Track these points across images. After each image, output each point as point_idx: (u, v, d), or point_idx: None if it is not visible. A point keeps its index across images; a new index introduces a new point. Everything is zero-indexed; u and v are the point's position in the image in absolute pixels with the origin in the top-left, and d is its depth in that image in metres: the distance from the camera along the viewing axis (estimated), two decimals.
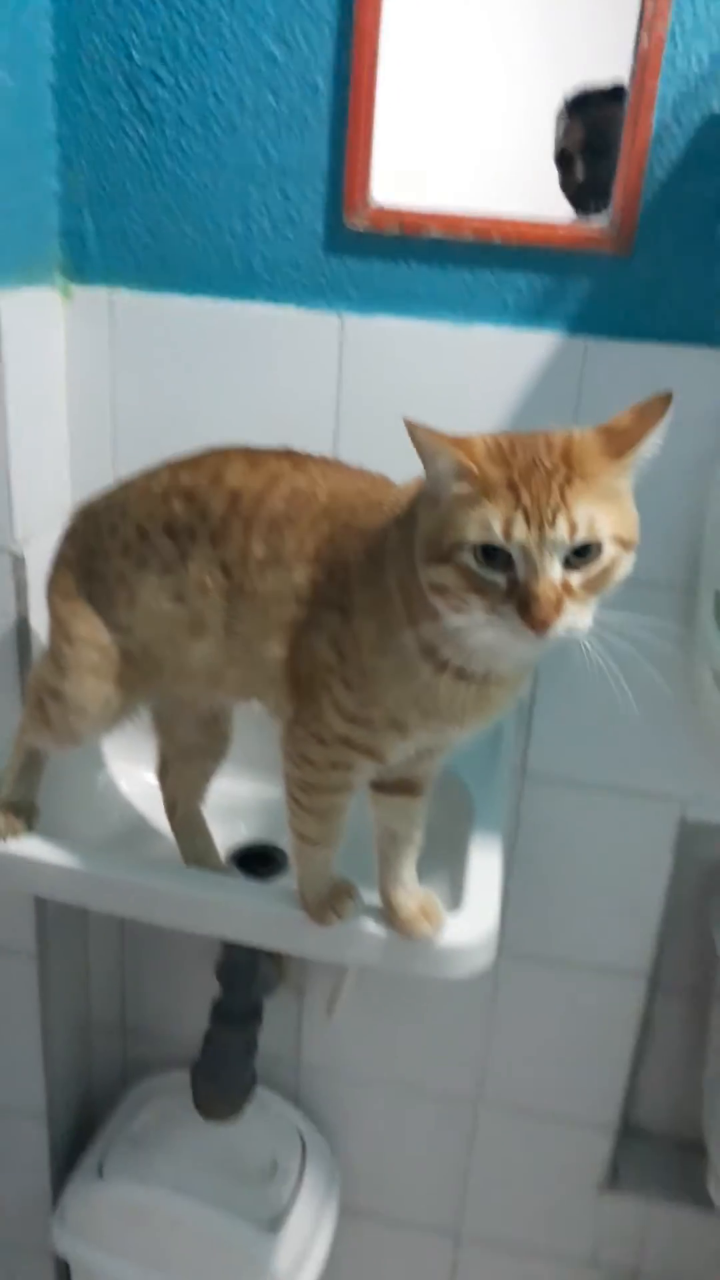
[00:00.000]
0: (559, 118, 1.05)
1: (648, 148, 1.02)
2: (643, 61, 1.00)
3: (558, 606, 0.67)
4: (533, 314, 1.09)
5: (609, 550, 0.69)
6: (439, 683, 0.78)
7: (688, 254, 1.04)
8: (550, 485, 0.67)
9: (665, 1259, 1.51)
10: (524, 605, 0.67)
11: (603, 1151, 1.48)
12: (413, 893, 0.93)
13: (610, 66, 1.02)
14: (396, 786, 0.93)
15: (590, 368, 1.09)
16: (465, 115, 1.08)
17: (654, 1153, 1.49)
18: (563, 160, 1.07)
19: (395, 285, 1.10)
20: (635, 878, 1.31)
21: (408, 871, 0.93)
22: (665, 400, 0.71)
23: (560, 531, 0.67)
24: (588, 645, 0.73)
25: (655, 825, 1.27)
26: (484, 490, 0.68)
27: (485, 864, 1.01)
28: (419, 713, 0.81)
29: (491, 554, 0.68)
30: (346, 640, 0.82)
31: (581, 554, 0.69)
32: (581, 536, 0.67)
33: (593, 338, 1.08)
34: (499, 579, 0.69)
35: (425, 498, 0.74)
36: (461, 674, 0.77)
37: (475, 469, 0.69)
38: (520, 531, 0.67)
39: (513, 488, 0.68)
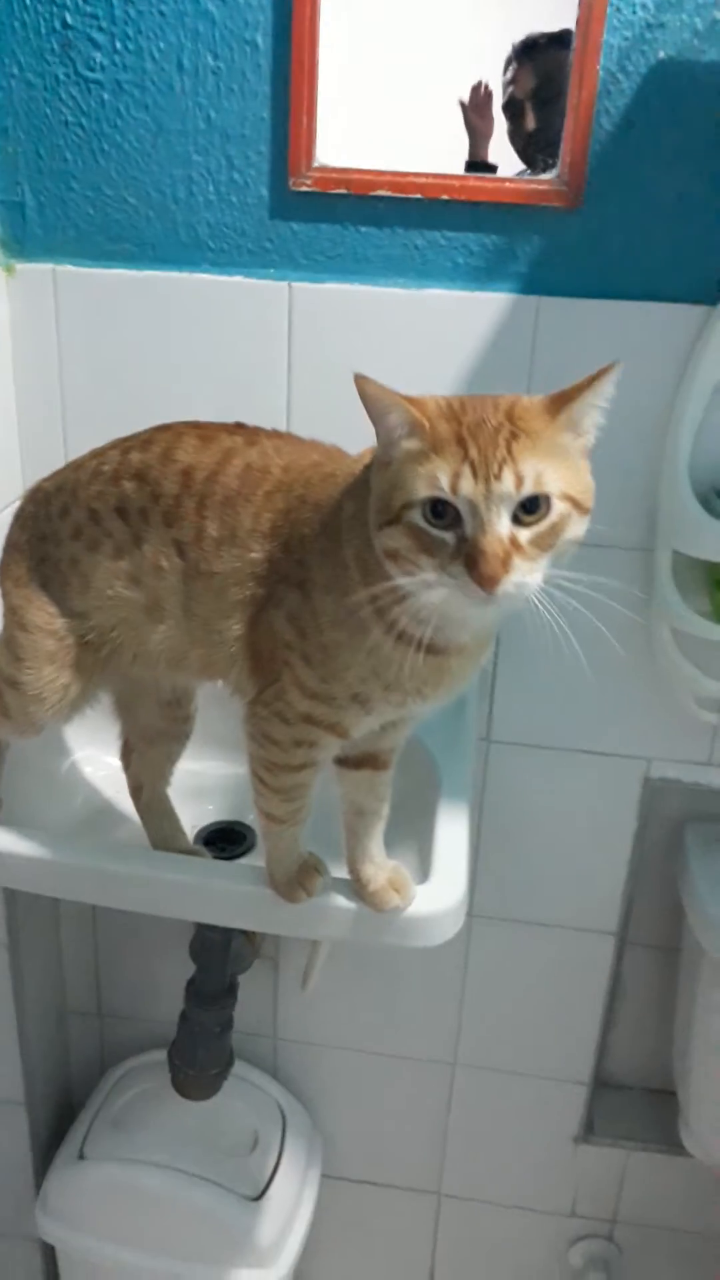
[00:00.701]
0: (506, 64, 1.03)
1: (595, 98, 1.00)
2: (587, 9, 0.98)
3: (505, 563, 0.67)
4: (484, 274, 1.08)
5: (558, 506, 0.69)
6: (399, 655, 0.77)
7: (637, 207, 1.04)
8: (497, 440, 0.67)
9: (642, 1205, 1.55)
10: (471, 561, 0.67)
11: (578, 1104, 1.50)
12: (381, 866, 0.93)
13: (558, 17, 1.00)
14: (361, 761, 0.92)
15: (543, 326, 1.08)
16: (411, 71, 1.05)
17: (627, 1103, 1.52)
18: (511, 109, 1.05)
19: (344, 249, 1.08)
20: (602, 837, 1.32)
21: (375, 845, 0.93)
22: (606, 369, 0.71)
23: (507, 484, 0.67)
24: (541, 605, 0.72)
25: (620, 784, 1.28)
26: (433, 445, 0.68)
27: (452, 832, 1.01)
28: (381, 686, 0.80)
29: (440, 511, 0.68)
30: (305, 616, 0.81)
31: (530, 510, 0.68)
32: (528, 489, 0.67)
33: (544, 296, 1.07)
34: (448, 537, 0.68)
35: (377, 462, 0.73)
36: (422, 645, 0.77)
37: (426, 423, 0.68)
38: (468, 485, 0.67)
39: (460, 442, 0.67)
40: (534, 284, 1.07)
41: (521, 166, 1.06)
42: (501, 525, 0.67)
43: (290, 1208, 1.38)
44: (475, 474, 0.66)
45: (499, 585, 0.66)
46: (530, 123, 1.05)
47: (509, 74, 1.04)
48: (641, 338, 1.06)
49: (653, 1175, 1.52)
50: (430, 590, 0.69)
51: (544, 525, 0.69)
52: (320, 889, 0.92)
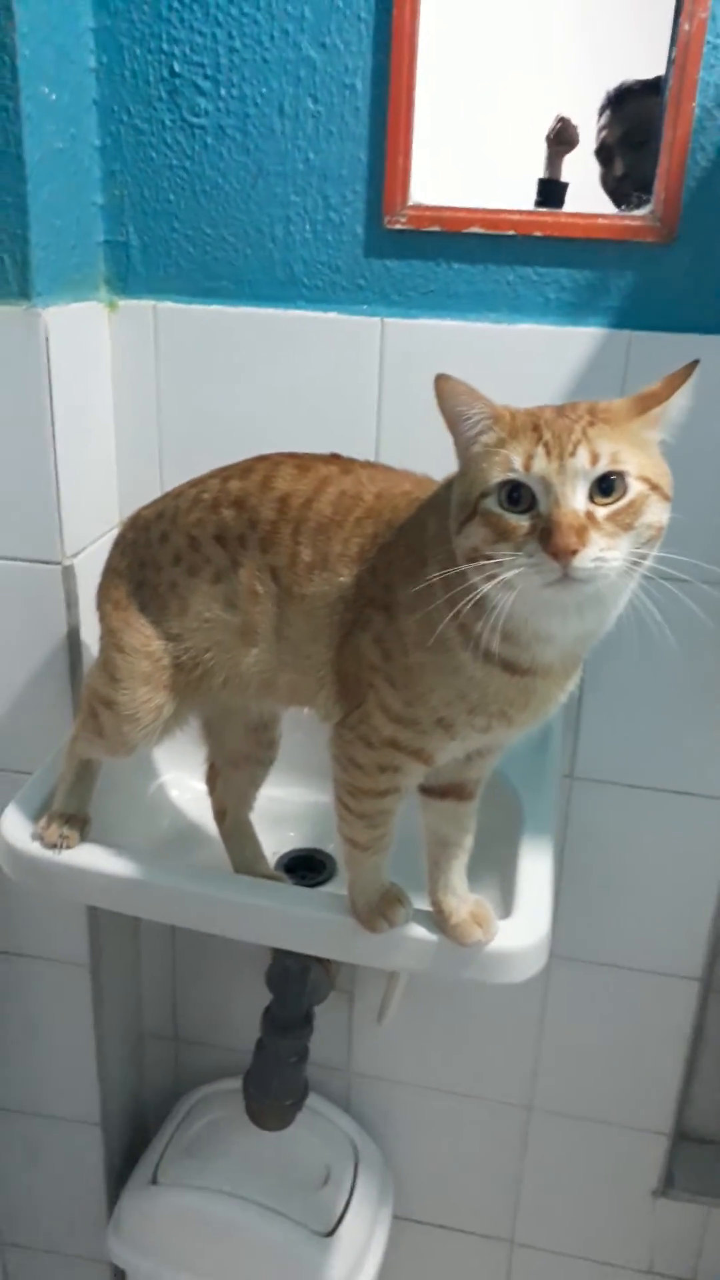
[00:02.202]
0: (600, 111, 1.05)
1: (690, 135, 1.01)
2: (683, 48, 0.99)
3: (581, 535, 0.66)
4: (575, 309, 1.08)
5: (635, 486, 0.69)
6: (484, 675, 0.77)
7: None
8: (574, 426, 0.68)
9: None
10: (546, 535, 0.66)
11: (657, 1157, 1.46)
12: (464, 898, 0.92)
13: (650, 62, 1.01)
14: (446, 791, 0.92)
15: (634, 361, 1.07)
16: (505, 112, 1.07)
17: (709, 1157, 1.47)
18: (602, 154, 1.06)
19: (436, 285, 1.10)
20: (687, 879, 1.29)
21: (458, 877, 0.93)
22: (691, 366, 0.72)
23: (582, 460, 0.67)
24: (633, 609, 0.71)
25: (706, 826, 1.25)
26: (510, 433, 0.69)
27: (536, 868, 1.00)
28: (465, 709, 0.80)
29: (516, 496, 0.68)
30: (391, 638, 0.81)
31: (607, 492, 0.68)
32: (604, 466, 0.67)
33: (636, 330, 1.07)
34: (524, 520, 0.68)
35: (456, 476, 0.75)
36: (507, 665, 0.76)
37: (506, 415, 0.70)
38: (540, 464, 0.67)
39: (536, 429, 0.69)
40: (626, 319, 1.07)
41: (613, 209, 1.07)
42: (576, 500, 0.67)
43: (361, 1246, 1.36)
44: (549, 453, 0.67)
45: (574, 558, 0.66)
46: (619, 168, 1.06)
47: (602, 120, 1.05)
48: None
49: None
50: (508, 582, 0.68)
51: (621, 503, 0.68)
52: (402, 919, 0.91)
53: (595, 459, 0.67)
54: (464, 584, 0.72)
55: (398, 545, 0.82)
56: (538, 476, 0.68)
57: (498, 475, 0.69)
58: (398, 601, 0.81)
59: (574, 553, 0.66)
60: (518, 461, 0.68)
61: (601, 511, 0.68)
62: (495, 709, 0.80)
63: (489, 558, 0.69)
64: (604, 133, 1.05)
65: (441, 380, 0.70)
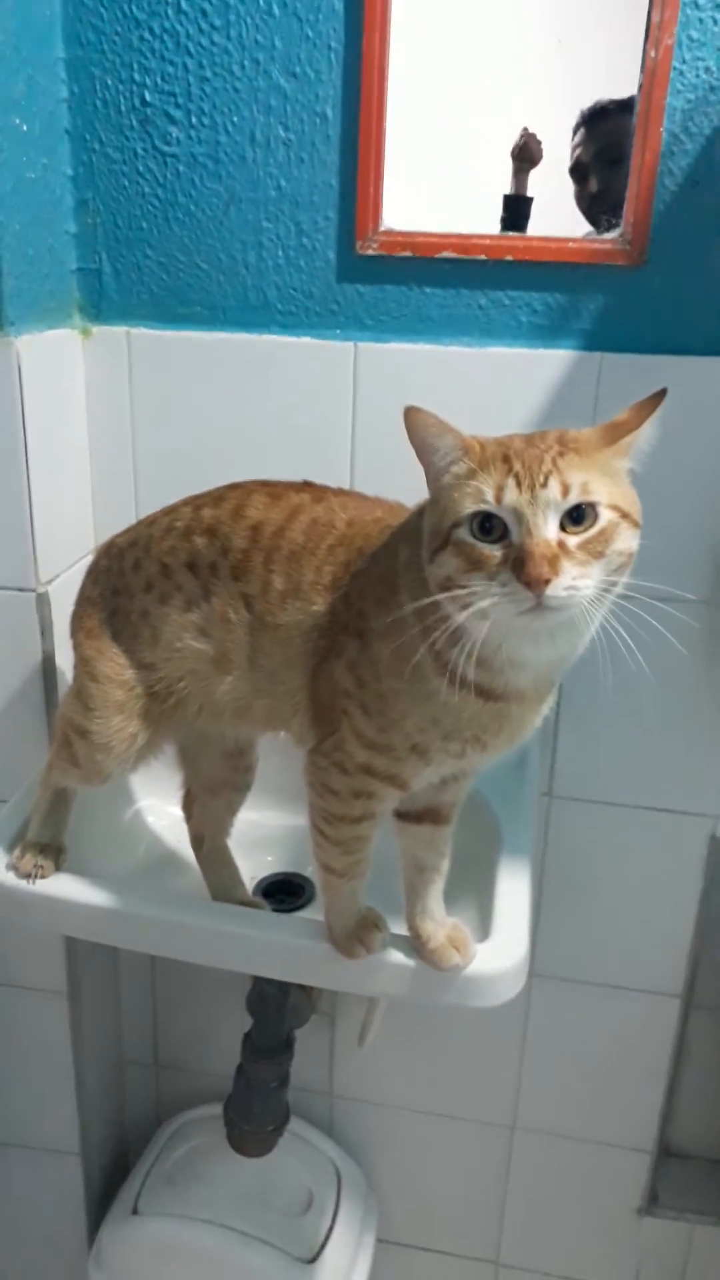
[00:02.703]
0: (573, 131, 1.06)
1: (658, 160, 1.02)
2: (650, 74, 1.00)
3: (553, 564, 0.67)
4: (547, 332, 1.09)
5: (606, 514, 0.70)
6: (458, 701, 0.77)
7: (701, 265, 1.05)
8: (544, 457, 0.69)
9: None
10: (519, 565, 0.67)
11: (641, 1174, 1.46)
12: (441, 923, 0.92)
13: (622, 82, 1.02)
14: (422, 815, 0.92)
15: (606, 383, 1.08)
16: (475, 136, 1.08)
17: (693, 1174, 1.46)
18: (577, 173, 1.07)
19: (408, 310, 1.11)
20: (667, 897, 1.29)
21: (435, 901, 0.93)
22: (658, 395, 0.72)
23: (553, 491, 0.68)
24: (602, 643, 0.72)
25: (685, 843, 1.26)
26: (480, 464, 0.70)
27: (514, 889, 1.00)
28: (439, 735, 0.80)
29: (488, 527, 0.69)
30: (364, 665, 0.81)
31: (578, 521, 0.69)
32: (574, 497, 0.68)
33: (608, 353, 1.08)
34: (496, 550, 0.69)
35: (427, 505, 0.75)
36: (480, 691, 0.77)
37: (476, 446, 0.71)
38: (511, 495, 0.68)
39: (507, 460, 0.69)
40: (597, 341, 1.08)
41: (583, 224, 1.08)
42: (548, 530, 0.68)
43: (345, 1272, 1.35)
44: (520, 484, 0.68)
45: (547, 587, 0.66)
46: (593, 186, 1.07)
47: (577, 138, 1.06)
48: (704, 393, 1.06)
49: None
50: (483, 613, 0.69)
51: (592, 532, 0.69)
52: (380, 945, 0.91)
53: (566, 490, 0.68)
54: (437, 612, 0.72)
55: (370, 572, 0.83)
56: (509, 507, 0.68)
57: (469, 506, 0.69)
58: (370, 628, 0.81)
59: (547, 581, 0.66)
60: (489, 493, 0.69)
61: (573, 540, 0.69)
62: (469, 734, 0.80)
63: (462, 586, 0.70)
64: (578, 150, 1.06)
65: (411, 412, 0.71)
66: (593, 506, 0.69)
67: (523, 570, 0.67)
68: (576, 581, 0.68)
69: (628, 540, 0.71)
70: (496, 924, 0.95)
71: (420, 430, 0.71)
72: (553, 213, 1.08)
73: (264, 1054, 1.21)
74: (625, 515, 0.71)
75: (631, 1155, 1.45)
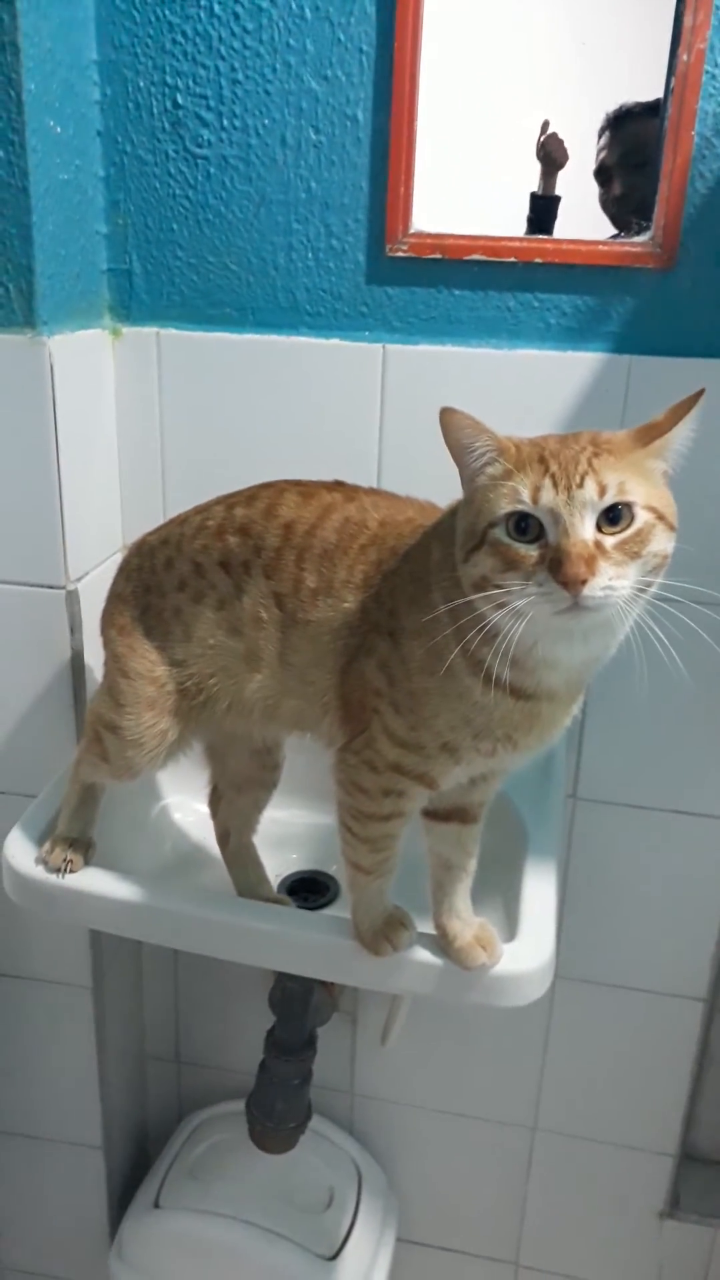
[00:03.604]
0: (598, 135, 1.06)
1: (689, 163, 1.02)
2: (681, 78, 1.00)
3: (590, 564, 0.67)
4: (576, 334, 1.09)
5: (642, 515, 0.70)
6: (489, 700, 0.77)
7: None
8: (579, 458, 0.69)
9: None
10: (556, 565, 0.67)
11: (663, 1178, 1.45)
12: (468, 922, 0.92)
13: (649, 84, 1.02)
14: (450, 814, 0.92)
15: (635, 386, 1.08)
16: (505, 139, 1.08)
17: (716, 1178, 1.46)
18: (601, 176, 1.07)
19: (437, 312, 1.11)
20: (691, 900, 1.29)
21: (462, 900, 0.93)
22: (696, 396, 0.73)
23: (589, 492, 0.68)
24: (637, 642, 0.72)
25: (710, 846, 1.26)
26: (517, 465, 0.70)
27: (540, 891, 1.00)
28: (470, 733, 0.80)
29: (524, 527, 0.69)
30: (395, 664, 0.82)
31: (614, 521, 0.69)
32: (611, 497, 0.68)
33: (636, 355, 1.08)
34: (533, 550, 0.69)
35: (461, 505, 0.75)
36: (512, 690, 0.77)
37: (512, 447, 0.71)
38: (548, 495, 0.68)
39: (543, 461, 0.70)
40: (626, 344, 1.08)
41: (610, 224, 1.08)
42: (585, 530, 0.68)
43: (365, 1270, 1.36)
44: (556, 485, 0.68)
45: (584, 587, 0.67)
46: (617, 189, 1.07)
47: (602, 141, 1.06)
48: None
49: None
50: (520, 612, 0.69)
51: (629, 533, 0.70)
52: (406, 943, 0.91)
53: (603, 490, 0.68)
54: (470, 612, 0.73)
55: (402, 572, 0.83)
56: (546, 508, 0.69)
57: (505, 506, 0.70)
58: (403, 627, 0.81)
59: (584, 582, 0.67)
60: (525, 493, 0.69)
61: (609, 541, 0.69)
62: (500, 733, 0.80)
63: (498, 586, 0.70)
64: (603, 154, 1.07)
65: (446, 413, 0.71)
66: (629, 507, 0.69)
67: (560, 570, 0.67)
68: (613, 582, 0.68)
69: (663, 542, 0.72)
70: (523, 924, 0.95)
71: (455, 431, 0.72)
72: (577, 213, 1.08)
73: (287, 1051, 1.22)
74: (661, 517, 0.71)
75: (654, 1158, 1.44)
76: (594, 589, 0.67)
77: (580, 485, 0.68)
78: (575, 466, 0.69)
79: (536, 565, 0.69)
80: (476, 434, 0.72)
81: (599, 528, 0.69)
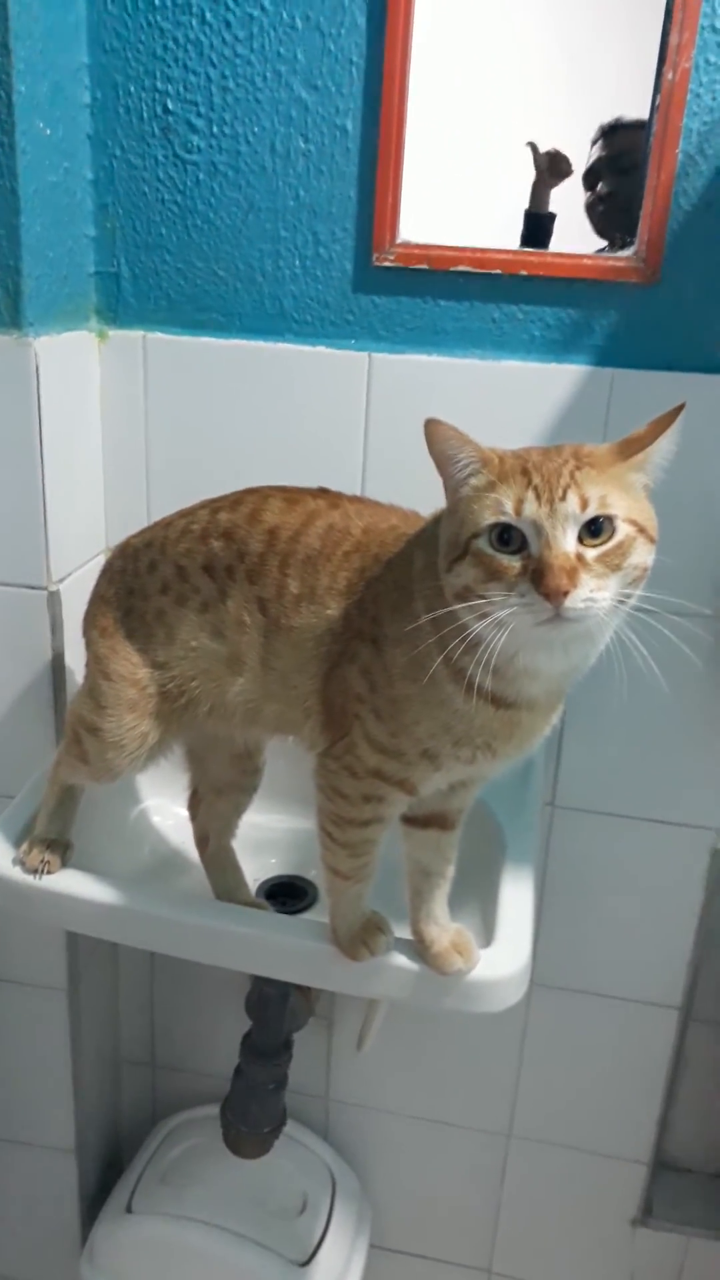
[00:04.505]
0: (591, 144, 1.07)
1: (673, 180, 1.03)
2: (666, 96, 1.01)
3: (572, 576, 0.68)
4: (560, 347, 1.10)
5: (623, 528, 0.71)
6: (470, 708, 0.78)
7: (714, 284, 1.06)
8: (561, 470, 0.70)
9: None
10: (538, 576, 0.68)
11: (636, 1185, 1.46)
12: (445, 927, 0.93)
13: (638, 100, 1.03)
14: (428, 820, 0.93)
15: (617, 399, 1.10)
16: (494, 152, 1.09)
17: (689, 1186, 1.47)
18: (589, 177, 1.09)
19: (423, 322, 1.12)
20: (667, 908, 1.30)
21: (440, 906, 0.93)
22: (676, 410, 0.73)
23: (572, 504, 0.69)
24: (616, 651, 0.73)
25: (686, 855, 1.27)
26: (499, 477, 0.71)
27: (517, 897, 1.00)
28: (450, 741, 0.81)
29: (507, 538, 0.70)
30: (377, 670, 0.82)
31: (595, 534, 0.70)
32: (593, 510, 0.69)
33: (619, 369, 1.09)
34: (515, 561, 0.70)
35: (444, 514, 0.76)
36: (493, 698, 0.78)
37: (495, 459, 0.72)
38: (531, 507, 0.69)
39: (525, 473, 0.71)
40: (609, 357, 1.10)
41: (598, 241, 1.09)
42: (567, 542, 0.69)
43: (338, 1275, 1.35)
44: (539, 497, 0.69)
45: (566, 599, 0.68)
46: (602, 189, 1.08)
47: (594, 150, 1.07)
48: (714, 409, 1.07)
49: (714, 1263, 1.46)
50: (501, 622, 0.70)
51: (610, 545, 0.70)
52: (383, 948, 0.92)
53: (585, 503, 0.69)
54: (452, 621, 0.73)
55: (385, 580, 0.84)
56: (529, 519, 0.69)
57: (489, 518, 0.70)
58: (385, 635, 0.82)
59: (565, 593, 0.67)
60: (509, 505, 0.70)
61: (591, 553, 0.70)
62: (480, 741, 0.81)
63: (480, 596, 0.71)
64: (593, 160, 1.08)
65: (431, 424, 0.72)
66: (610, 520, 0.70)
67: (542, 582, 0.68)
68: (594, 594, 0.69)
69: (643, 554, 0.72)
70: (500, 930, 0.96)
71: (440, 442, 0.72)
72: (565, 227, 1.09)
73: (262, 1056, 1.22)
74: (642, 530, 0.72)
75: (627, 1166, 1.45)
76: (575, 600, 0.68)
77: (563, 498, 0.69)
78: (558, 479, 0.70)
79: (519, 576, 0.70)
80: (461, 445, 0.72)
81: (580, 540, 0.70)
